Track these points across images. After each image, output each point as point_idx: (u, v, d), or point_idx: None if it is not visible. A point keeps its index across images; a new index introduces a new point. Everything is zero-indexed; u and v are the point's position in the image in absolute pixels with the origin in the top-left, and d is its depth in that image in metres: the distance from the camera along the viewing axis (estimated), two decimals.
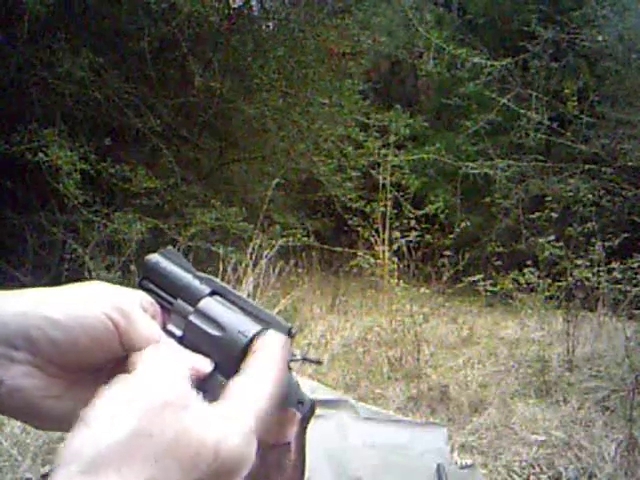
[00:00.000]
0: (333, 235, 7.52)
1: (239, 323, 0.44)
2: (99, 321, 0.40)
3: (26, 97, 4.88)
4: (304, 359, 0.45)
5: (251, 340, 0.43)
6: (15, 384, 0.38)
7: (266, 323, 0.45)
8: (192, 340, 0.44)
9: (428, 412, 2.99)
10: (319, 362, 0.47)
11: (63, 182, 4.32)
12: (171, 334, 0.45)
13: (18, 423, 2.38)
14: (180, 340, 0.44)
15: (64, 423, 0.40)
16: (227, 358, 0.43)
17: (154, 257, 0.48)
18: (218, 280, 0.48)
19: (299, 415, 0.41)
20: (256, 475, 0.39)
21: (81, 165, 4.43)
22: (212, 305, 0.45)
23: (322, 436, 1.75)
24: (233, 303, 0.46)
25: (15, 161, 4.56)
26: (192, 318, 0.44)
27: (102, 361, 0.42)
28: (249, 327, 0.44)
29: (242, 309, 0.46)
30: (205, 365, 0.41)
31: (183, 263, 0.48)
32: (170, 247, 0.49)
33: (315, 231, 6.57)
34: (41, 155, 4.27)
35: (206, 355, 0.44)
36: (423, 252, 4.97)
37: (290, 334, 0.45)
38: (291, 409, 0.41)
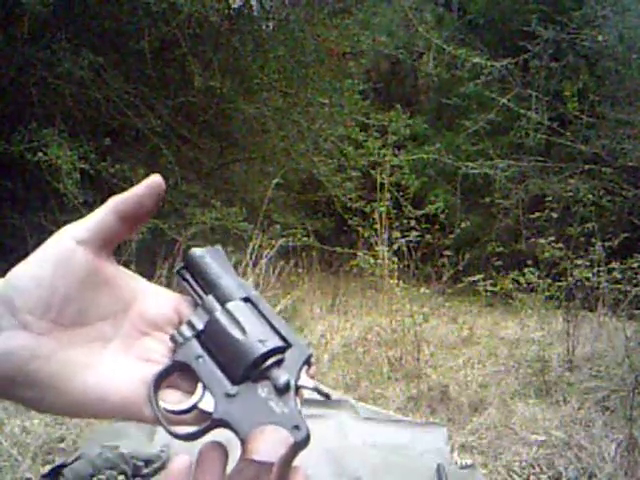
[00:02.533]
0: (333, 235, 7.51)
1: (262, 333, 0.44)
2: (65, 249, 0.41)
3: (26, 97, 4.88)
4: (316, 390, 0.44)
5: (268, 353, 0.43)
6: (3, 349, 0.38)
7: (288, 343, 0.45)
8: (211, 336, 0.44)
9: (428, 412, 2.99)
10: (328, 396, 0.46)
11: (63, 182, 4.32)
12: (192, 326, 0.45)
13: (18, 422, 2.38)
14: (199, 334, 0.44)
15: (55, 391, 0.40)
16: (239, 362, 0.43)
17: (200, 250, 0.48)
18: (255, 290, 0.48)
19: (291, 439, 0.40)
20: None
21: (81, 165, 4.43)
22: (241, 308, 0.45)
23: (322, 436, 1.75)
24: (262, 314, 0.46)
25: (15, 161, 4.56)
26: (218, 315, 0.44)
27: (90, 306, 0.42)
28: (270, 339, 0.44)
29: (269, 323, 0.45)
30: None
31: (226, 264, 0.48)
32: (218, 246, 0.49)
33: (315, 231, 6.57)
34: (41, 155, 4.27)
35: (219, 354, 0.44)
36: (423, 252, 4.97)
37: (309, 362, 0.45)
38: (283, 430, 0.41)
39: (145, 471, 1.73)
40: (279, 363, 0.44)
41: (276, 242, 4.43)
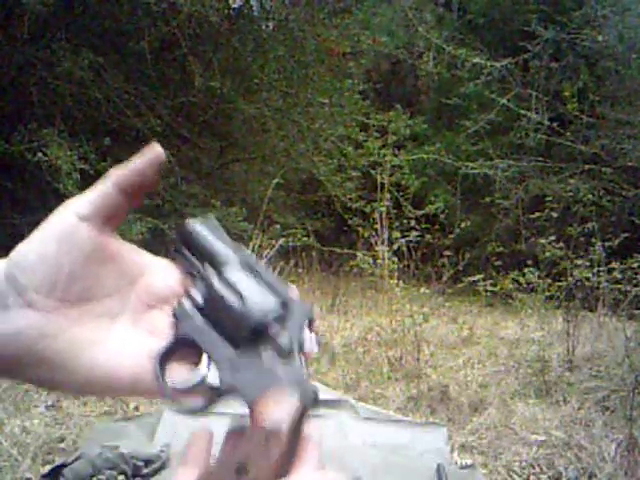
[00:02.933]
0: (333, 235, 7.52)
1: (261, 296, 0.44)
2: (69, 225, 0.41)
3: (26, 97, 4.88)
4: (320, 345, 0.44)
5: (268, 316, 0.43)
6: (10, 328, 0.38)
7: (288, 302, 0.44)
8: (210, 305, 0.44)
9: (428, 412, 2.99)
10: (332, 353, 0.46)
11: (63, 182, 4.32)
12: (192, 299, 0.44)
13: (18, 422, 2.38)
14: (199, 307, 0.44)
15: (64, 370, 0.40)
16: (240, 328, 0.43)
17: (193, 223, 0.48)
18: (251, 254, 0.47)
19: (297, 399, 0.40)
20: (238, 453, 0.38)
21: (81, 165, 4.43)
22: (238, 274, 0.45)
23: (322, 436, 1.75)
24: (260, 277, 0.45)
25: (15, 161, 4.56)
26: (215, 283, 0.44)
27: (96, 282, 0.42)
28: (269, 302, 0.43)
29: (267, 284, 0.45)
30: None
31: (220, 233, 0.48)
32: (212, 215, 0.49)
33: (315, 231, 6.57)
34: (41, 155, 4.27)
35: (220, 322, 0.43)
36: (423, 252, 4.97)
37: (310, 318, 0.45)
38: (288, 390, 0.40)
39: (145, 471, 1.73)
40: (280, 323, 0.43)
41: (276, 242, 4.43)
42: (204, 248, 0.46)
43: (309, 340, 0.44)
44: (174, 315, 0.44)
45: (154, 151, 0.43)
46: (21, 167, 4.70)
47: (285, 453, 0.38)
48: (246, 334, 0.42)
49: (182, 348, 0.44)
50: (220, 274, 0.45)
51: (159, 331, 0.44)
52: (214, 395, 0.42)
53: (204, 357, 0.43)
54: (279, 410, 0.39)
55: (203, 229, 0.47)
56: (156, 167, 0.43)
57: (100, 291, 0.42)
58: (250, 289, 0.44)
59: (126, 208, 0.44)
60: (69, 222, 0.41)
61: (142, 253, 0.47)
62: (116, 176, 0.43)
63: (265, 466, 0.37)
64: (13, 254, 0.40)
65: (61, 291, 0.40)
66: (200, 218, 0.48)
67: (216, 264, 0.45)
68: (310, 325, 0.45)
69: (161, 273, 0.46)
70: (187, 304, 0.44)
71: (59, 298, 0.40)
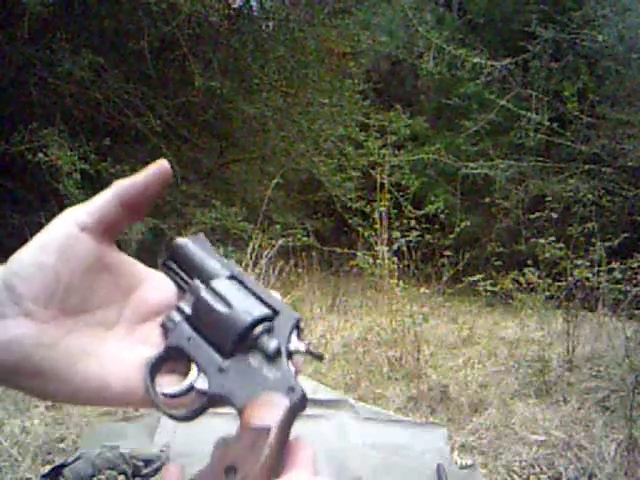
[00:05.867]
0: (333, 235, 7.52)
1: (248, 304, 0.44)
2: (69, 235, 0.40)
3: (26, 97, 4.88)
4: (308, 352, 0.44)
5: (255, 322, 0.43)
6: (7, 337, 0.38)
7: (275, 311, 0.45)
8: (198, 315, 0.44)
9: (428, 412, 2.99)
10: (321, 357, 0.46)
11: (63, 182, 4.32)
12: (181, 311, 0.45)
13: (18, 422, 2.38)
14: (188, 317, 0.45)
15: (58, 379, 0.40)
16: (228, 336, 0.43)
17: (183, 240, 0.49)
18: (239, 267, 0.48)
19: (286, 401, 0.40)
20: (228, 456, 0.38)
21: (81, 165, 4.43)
22: (225, 285, 0.46)
23: (322, 436, 1.75)
24: (247, 288, 0.46)
25: (15, 161, 4.56)
26: (203, 293, 0.45)
27: (93, 293, 0.42)
28: (257, 309, 0.44)
29: (255, 294, 0.46)
30: None
31: (209, 249, 0.49)
32: (201, 233, 0.50)
33: (315, 231, 6.57)
34: (41, 155, 4.27)
35: (208, 331, 0.44)
36: (423, 252, 4.96)
37: (298, 326, 0.45)
38: (277, 393, 0.41)
39: (145, 471, 1.73)
40: (268, 331, 0.44)
41: (276, 242, 4.43)
42: (193, 263, 0.47)
43: (297, 346, 0.44)
44: (163, 326, 0.45)
45: (160, 166, 0.43)
46: (21, 167, 4.70)
47: (274, 454, 0.38)
48: (234, 340, 0.43)
49: (172, 358, 0.44)
50: (208, 285, 0.45)
51: (152, 342, 0.44)
52: (204, 401, 0.43)
53: (193, 366, 0.44)
54: (268, 412, 0.39)
55: (192, 246, 0.48)
56: (162, 184, 0.43)
57: (96, 302, 0.42)
58: (237, 297, 0.45)
59: (127, 221, 0.43)
60: (69, 232, 0.40)
61: (138, 265, 0.47)
62: (119, 188, 0.42)
63: (254, 466, 0.37)
64: (11, 261, 0.40)
65: (59, 301, 0.40)
66: (190, 235, 0.49)
67: (204, 277, 0.46)
68: (298, 332, 0.45)
69: (156, 285, 0.47)
70: (176, 315, 0.45)
71: (56, 308, 0.40)
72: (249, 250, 4.09)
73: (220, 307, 0.44)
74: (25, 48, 4.66)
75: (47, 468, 1.96)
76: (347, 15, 6.26)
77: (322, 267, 6.38)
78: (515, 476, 2.37)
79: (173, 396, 0.43)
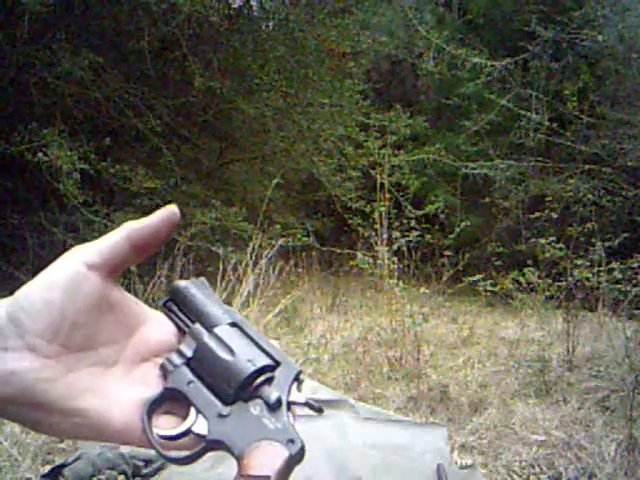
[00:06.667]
0: (333, 235, 7.52)
1: (250, 353, 0.45)
2: (76, 273, 0.41)
3: (26, 97, 4.88)
4: (308, 405, 0.45)
5: (258, 371, 0.44)
6: (8, 368, 0.39)
7: (277, 361, 0.46)
8: (200, 360, 0.45)
9: (428, 412, 2.99)
10: (320, 410, 0.47)
11: (63, 182, 4.32)
12: (182, 354, 0.45)
13: None
14: (188, 361, 0.45)
15: (57, 414, 0.40)
16: (229, 383, 0.44)
17: (183, 282, 0.49)
18: (240, 315, 0.49)
19: (286, 452, 0.41)
20: None
21: (81, 165, 4.43)
22: (228, 332, 0.46)
23: (322, 436, 1.75)
24: (249, 337, 0.47)
25: (15, 161, 4.55)
26: (206, 339, 0.45)
27: (96, 331, 0.42)
28: (259, 359, 0.45)
29: (256, 344, 0.46)
30: None
31: (211, 294, 0.49)
32: (202, 278, 0.51)
33: (315, 231, 6.57)
34: (41, 155, 4.27)
35: (209, 377, 0.44)
36: (423, 252, 4.96)
37: (298, 379, 0.46)
38: (277, 443, 0.41)
39: (145, 471, 1.73)
40: (269, 381, 0.44)
41: (276, 242, 4.43)
42: (194, 306, 0.47)
43: (297, 398, 0.44)
44: (162, 368, 0.45)
45: (171, 212, 0.44)
46: (21, 167, 4.70)
47: None
48: (236, 387, 0.43)
49: (170, 400, 0.45)
50: (210, 331, 0.46)
51: (149, 383, 0.45)
52: (201, 445, 0.43)
53: (192, 409, 0.44)
54: (267, 461, 0.40)
55: (194, 289, 0.48)
56: (171, 228, 0.44)
57: (99, 340, 0.43)
58: (240, 345, 0.45)
59: (132, 262, 0.44)
60: (77, 270, 0.41)
61: (140, 304, 0.47)
62: (130, 229, 0.43)
63: None
64: (19, 296, 0.40)
65: (63, 338, 0.40)
66: (192, 279, 0.50)
67: (207, 323, 0.46)
68: (298, 385, 0.46)
69: (158, 326, 0.47)
70: (176, 358, 0.45)
71: (60, 344, 0.40)
72: (249, 250, 4.09)
73: (223, 354, 0.44)
74: (25, 48, 4.66)
75: (47, 468, 1.96)
76: (347, 15, 6.26)
77: (322, 267, 6.38)
78: (515, 476, 2.37)
79: (170, 438, 0.43)
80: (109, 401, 0.42)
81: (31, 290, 0.40)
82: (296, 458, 0.41)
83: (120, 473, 1.71)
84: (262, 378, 0.44)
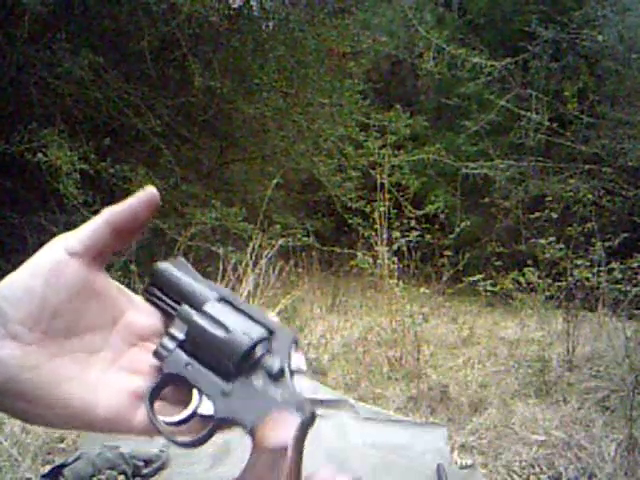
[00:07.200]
0: (333, 235, 7.51)
1: (244, 326, 0.44)
2: (58, 261, 0.41)
3: (26, 97, 4.88)
4: (309, 369, 0.45)
5: (255, 343, 0.43)
6: None
7: (272, 330, 0.45)
8: (194, 341, 0.44)
9: (428, 412, 2.99)
10: (324, 373, 0.47)
11: (63, 182, 4.32)
12: (173, 338, 0.45)
13: (18, 422, 2.37)
14: (181, 343, 0.44)
15: (42, 402, 0.40)
16: (228, 359, 0.43)
17: (163, 264, 0.48)
18: (226, 289, 0.48)
19: (298, 419, 0.41)
20: (248, 479, 0.38)
21: (81, 165, 4.43)
22: (218, 308, 0.45)
23: (322, 436, 1.75)
24: (239, 310, 0.46)
25: (15, 161, 4.55)
26: (196, 318, 0.45)
27: (80, 318, 0.42)
28: (254, 330, 0.44)
29: (248, 315, 0.46)
30: None
31: (192, 272, 0.48)
32: (181, 257, 0.50)
33: (315, 231, 6.57)
34: (41, 155, 4.27)
35: (207, 356, 0.44)
36: (423, 252, 4.96)
37: (296, 343, 0.45)
38: (287, 411, 0.41)
39: (145, 471, 1.73)
40: (268, 351, 0.44)
41: (276, 242, 4.43)
42: (178, 288, 0.47)
43: (298, 364, 0.44)
44: (156, 354, 0.45)
45: (150, 193, 0.44)
46: (21, 167, 4.70)
47: (293, 470, 0.39)
48: (236, 363, 0.43)
49: (170, 385, 0.44)
50: (199, 310, 0.45)
51: (138, 369, 0.44)
52: (211, 426, 0.43)
53: (194, 391, 0.43)
54: (282, 430, 0.40)
55: (175, 270, 0.48)
56: (150, 210, 0.44)
57: (83, 327, 0.43)
58: (232, 320, 0.45)
59: (116, 247, 0.44)
60: (58, 258, 0.41)
61: (125, 291, 0.47)
62: (108, 215, 0.43)
63: None
64: (1, 285, 0.40)
65: (45, 325, 0.40)
66: (170, 259, 0.49)
67: (194, 302, 0.46)
68: (296, 346, 0.45)
69: (143, 311, 0.47)
70: (169, 342, 0.45)
71: (42, 331, 0.40)
72: (249, 250, 4.09)
73: (217, 331, 0.44)
74: (25, 48, 4.65)
75: (47, 468, 1.96)
76: (347, 15, 6.26)
77: (322, 267, 6.38)
78: (515, 476, 2.36)
79: (177, 423, 0.43)
80: (95, 389, 0.42)
81: (13, 279, 0.40)
82: (308, 423, 0.41)
83: (120, 473, 1.71)
84: (261, 349, 0.43)
